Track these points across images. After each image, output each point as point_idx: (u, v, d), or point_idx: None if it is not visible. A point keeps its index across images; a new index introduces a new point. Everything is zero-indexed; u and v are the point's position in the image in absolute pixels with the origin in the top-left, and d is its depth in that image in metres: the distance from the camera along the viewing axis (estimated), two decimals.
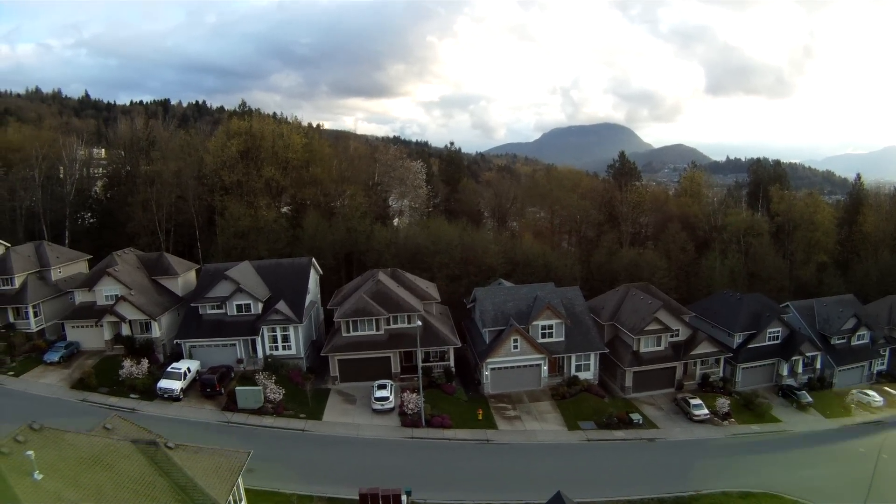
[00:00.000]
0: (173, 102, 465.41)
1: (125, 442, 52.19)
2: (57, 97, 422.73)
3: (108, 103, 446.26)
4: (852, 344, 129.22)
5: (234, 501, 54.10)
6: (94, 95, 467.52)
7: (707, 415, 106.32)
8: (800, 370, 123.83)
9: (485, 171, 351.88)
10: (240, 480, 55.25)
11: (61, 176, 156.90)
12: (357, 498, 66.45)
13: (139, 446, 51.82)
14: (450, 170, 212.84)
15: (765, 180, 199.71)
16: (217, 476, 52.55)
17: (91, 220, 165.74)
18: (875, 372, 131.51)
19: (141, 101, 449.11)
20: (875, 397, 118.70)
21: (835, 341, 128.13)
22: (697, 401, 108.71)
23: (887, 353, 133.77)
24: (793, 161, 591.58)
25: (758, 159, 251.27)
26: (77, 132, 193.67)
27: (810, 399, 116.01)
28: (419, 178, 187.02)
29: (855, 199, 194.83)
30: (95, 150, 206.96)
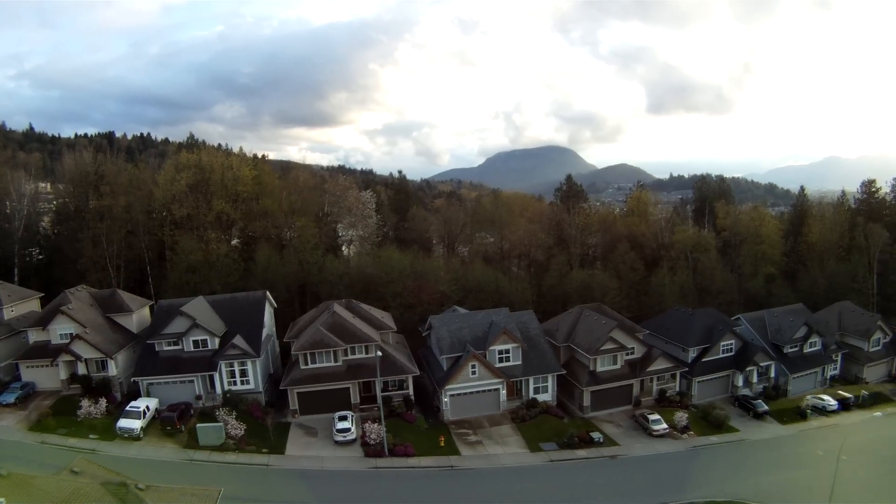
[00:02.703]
0: (118, 135, 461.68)
1: (95, 485, 52.00)
2: (1, 130, 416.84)
3: (53, 136, 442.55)
4: (805, 351, 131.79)
5: None
6: (38, 128, 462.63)
7: (666, 429, 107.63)
8: (754, 380, 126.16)
9: (431, 197, 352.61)
10: None
11: (8, 212, 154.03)
12: None
13: (109, 488, 51.61)
14: (398, 198, 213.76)
15: (710, 196, 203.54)
16: None
17: (40, 257, 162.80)
18: (828, 377, 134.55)
19: (86, 134, 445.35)
20: (830, 402, 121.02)
21: (787, 350, 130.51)
22: (656, 416, 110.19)
23: (839, 358, 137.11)
24: (736, 175, 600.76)
25: (702, 176, 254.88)
26: (24, 167, 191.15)
27: (766, 407, 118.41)
28: (368, 208, 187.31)
29: (799, 210, 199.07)
30: (41, 185, 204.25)
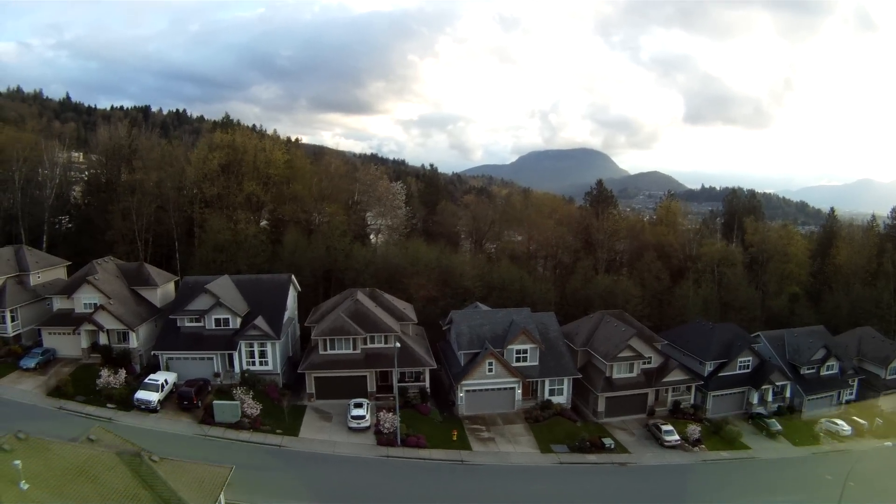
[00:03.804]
0: (154, 109, 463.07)
1: (110, 453, 52.64)
2: (38, 98, 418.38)
3: (89, 107, 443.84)
4: (822, 374, 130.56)
5: None
6: (74, 98, 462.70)
7: (678, 441, 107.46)
8: (769, 399, 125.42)
9: (461, 192, 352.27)
10: (222, 495, 55.84)
11: (40, 179, 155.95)
12: None
13: (123, 458, 52.29)
14: (429, 191, 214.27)
15: (739, 211, 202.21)
16: (200, 490, 53.18)
17: (69, 226, 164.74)
18: (844, 402, 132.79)
19: (121, 107, 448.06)
20: (843, 426, 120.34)
21: (804, 371, 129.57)
22: (669, 427, 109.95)
23: (856, 384, 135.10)
24: (767, 191, 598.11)
25: (733, 189, 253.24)
26: (59, 136, 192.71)
27: (779, 427, 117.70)
28: (398, 199, 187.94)
29: (828, 231, 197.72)
30: (74, 154, 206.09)
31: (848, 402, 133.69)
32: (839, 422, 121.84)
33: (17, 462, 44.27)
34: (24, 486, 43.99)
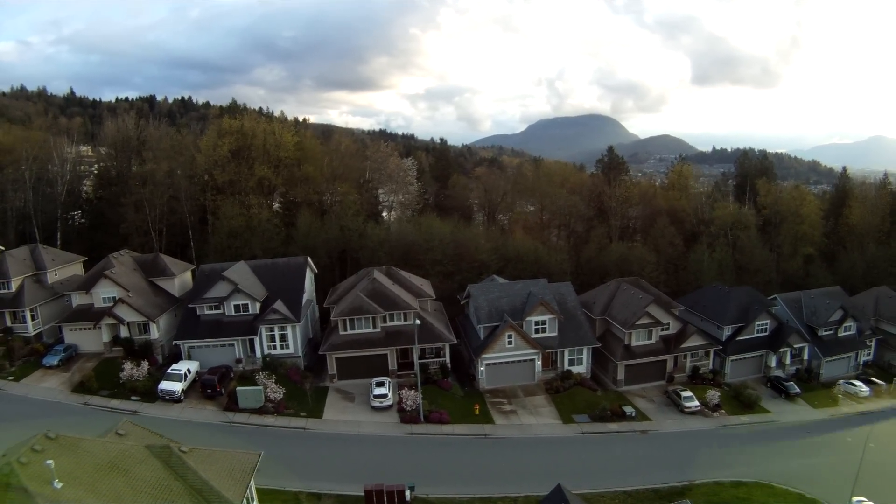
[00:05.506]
0: (159, 98, 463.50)
1: (139, 446, 53.12)
2: (42, 95, 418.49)
3: (94, 100, 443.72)
4: (839, 335, 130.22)
5: (248, 502, 55.33)
6: (79, 92, 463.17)
7: (698, 406, 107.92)
8: (788, 361, 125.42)
9: (472, 164, 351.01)
10: (252, 481, 56.43)
11: (51, 176, 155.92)
12: (362, 494, 67.95)
13: (153, 451, 52.78)
14: (439, 165, 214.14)
15: (751, 173, 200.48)
16: (231, 477, 53.72)
17: (82, 221, 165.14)
18: (862, 363, 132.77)
19: (126, 98, 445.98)
20: (862, 388, 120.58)
21: (822, 333, 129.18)
22: (688, 393, 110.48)
23: (874, 344, 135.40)
24: (779, 151, 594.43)
25: (744, 151, 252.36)
26: (67, 132, 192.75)
27: (798, 390, 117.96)
28: (410, 175, 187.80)
29: (841, 191, 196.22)
30: (82, 148, 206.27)
31: (866, 363, 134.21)
32: (857, 383, 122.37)
33: (50, 461, 44.72)
34: (58, 484, 44.37)
